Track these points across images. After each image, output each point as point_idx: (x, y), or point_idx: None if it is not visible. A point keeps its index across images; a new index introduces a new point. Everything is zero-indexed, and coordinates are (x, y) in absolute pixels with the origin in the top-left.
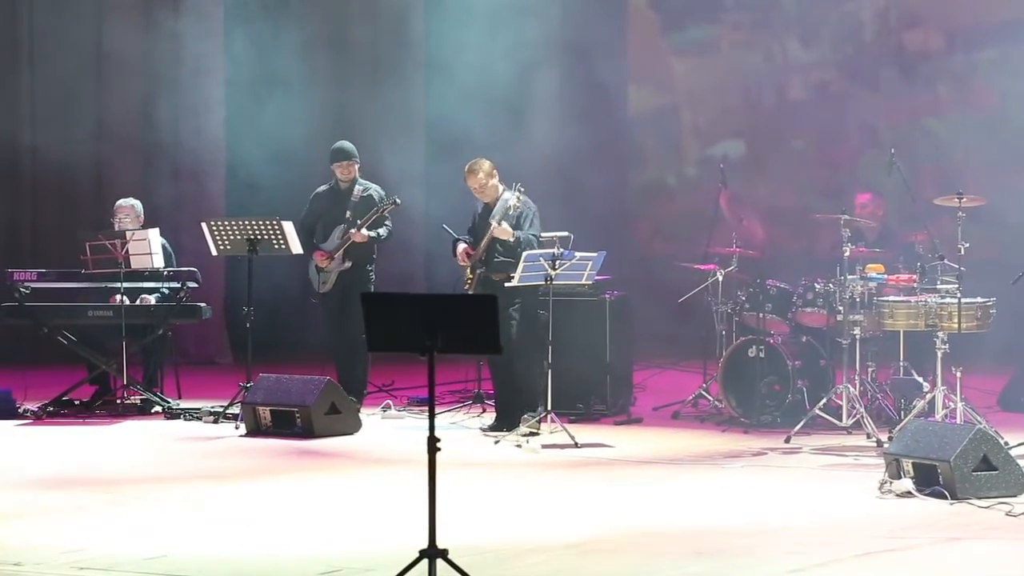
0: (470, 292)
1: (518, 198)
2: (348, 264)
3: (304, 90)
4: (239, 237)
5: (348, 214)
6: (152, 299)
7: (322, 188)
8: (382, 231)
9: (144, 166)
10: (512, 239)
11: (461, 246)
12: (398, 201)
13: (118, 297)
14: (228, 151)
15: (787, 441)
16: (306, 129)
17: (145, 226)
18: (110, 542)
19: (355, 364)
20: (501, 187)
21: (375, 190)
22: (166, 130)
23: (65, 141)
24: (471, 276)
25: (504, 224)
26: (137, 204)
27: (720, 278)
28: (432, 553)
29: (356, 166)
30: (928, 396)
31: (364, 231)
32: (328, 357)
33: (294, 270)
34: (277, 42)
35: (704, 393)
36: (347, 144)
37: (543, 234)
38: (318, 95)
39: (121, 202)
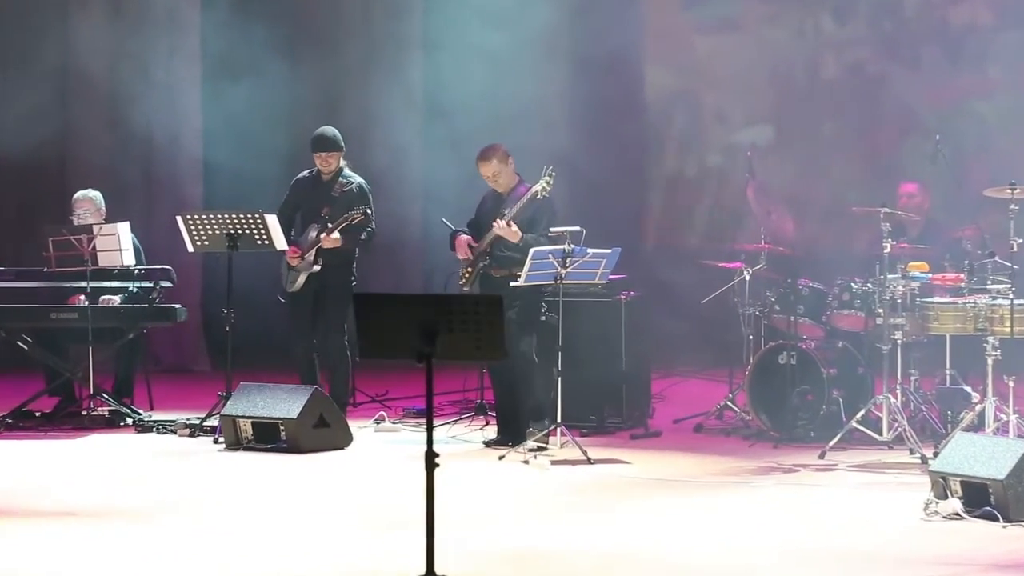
0: (467, 288)
1: (546, 185)
2: (317, 267)
3: (289, 73)
4: (218, 232)
5: (325, 211)
6: (116, 299)
7: (304, 174)
8: (361, 234)
9: (113, 155)
10: (519, 242)
11: (462, 238)
12: (370, 212)
13: (81, 298)
14: (205, 138)
15: (821, 457)
16: (292, 114)
17: (109, 220)
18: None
19: (335, 374)
20: (518, 176)
21: (357, 185)
22: (137, 116)
23: (26, 128)
24: (470, 271)
25: (514, 226)
26: (97, 196)
27: (747, 277)
28: None
29: (338, 157)
30: (977, 408)
31: (335, 235)
32: (291, 364)
33: (278, 268)
34: (259, 19)
35: (730, 404)
36: (329, 131)
37: (553, 229)
38: (305, 78)
39: (79, 195)
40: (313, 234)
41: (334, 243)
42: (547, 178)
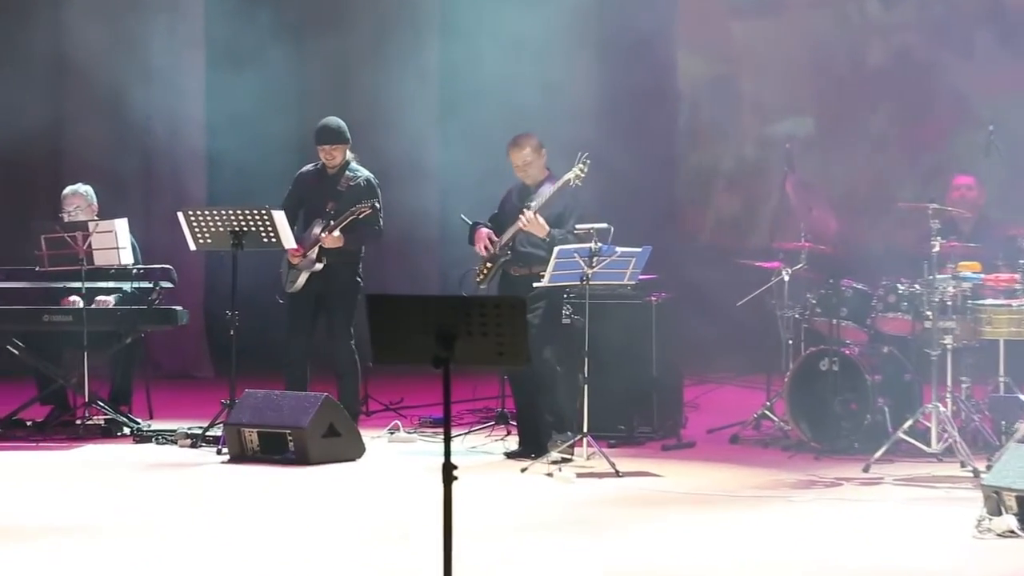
0: (483, 287)
1: (579, 172)
2: (320, 266)
3: (297, 59)
4: (221, 229)
5: (330, 207)
6: (111, 300)
7: (308, 168)
8: (367, 232)
9: (110, 147)
10: (545, 237)
11: (483, 231)
12: (378, 205)
13: (72, 298)
14: (208, 129)
15: (866, 470)
16: (300, 104)
17: (106, 216)
18: None
19: (344, 381)
20: (548, 171)
21: (365, 178)
22: (135, 106)
23: (16, 119)
24: (488, 267)
25: (540, 219)
26: (88, 191)
27: (786, 278)
28: None
29: (344, 150)
30: None
31: (336, 233)
32: (293, 369)
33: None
34: (266, 2)
35: (768, 413)
36: (334, 122)
37: (579, 226)
38: (314, 65)
39: (68, 190)
40: (317, 231)
41: (336, 242)
42: (581, 165)
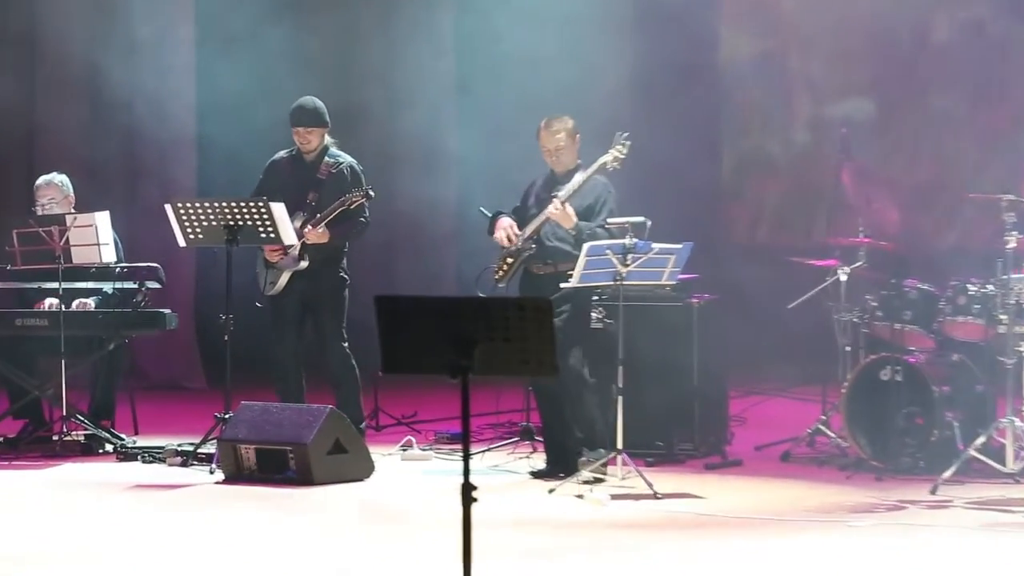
0: (502, 285)
1: (618, 155)
2: (304, 264)
3: (297, 35)
4: (214, 223)
5: (311, 197)
6: (91, 302)
7: (281, 155)
8: (353, 225)
9: (89, 133)
10: (573, 229)
11: (504, 220)
12: (371, 193)
13: (48, 302)
14: (199, 112)
15: (933, 492)
16: (301, 84)
17: (85, 209)
18: None
19: (342, 390)
20: (579, 160)
21: (348, 165)
22: (117, 87)
23: None
24: (508, 263)
25: (570, 208)
26: (64, 181)
27: (843, 278)
28: None
29: (321, 133)
30: None
31: (322, 228)
32: (286, 383)
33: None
34: None
35: (823, 428)
36: (309, 102)
37: (611, 220)
38: (316, 41)
39: (42, 181)
40: (297, 224)
41: (321, 237)
42: (619, 147)
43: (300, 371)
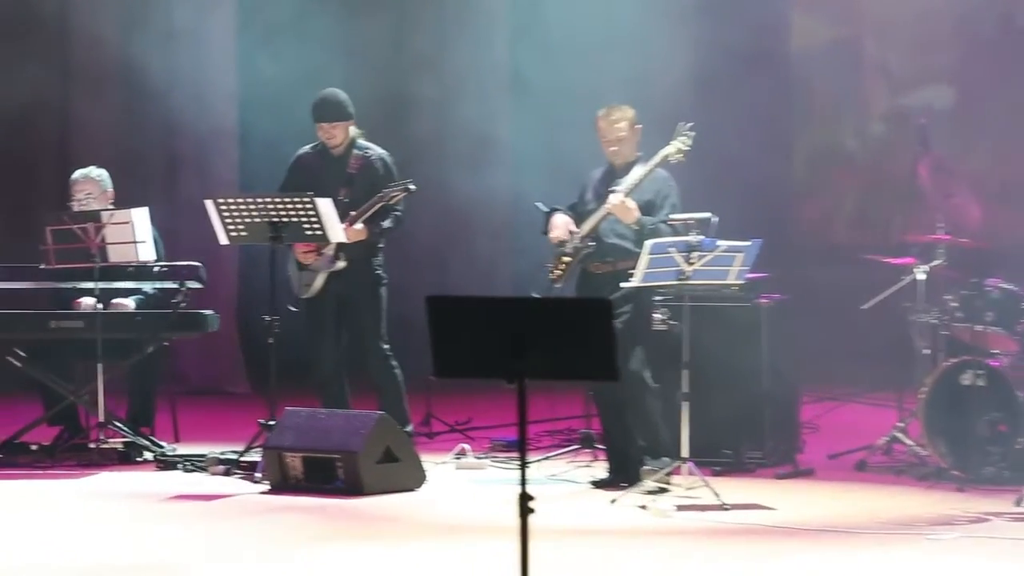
0: (559, 285)
1: (681, 146)
2: (341, 263)
3: (345, 25)
4: (257, 220)
5: (342, 194)
6: (130, 303)
7: (306, 150)
8: (387, 222)
9: (126, 126)
10: (635, 224)
11: (560, 217)
12: (411, 187)
13: (85, 301)
14: (241, 104)
15: (1019, 503)
16: (347, 74)
17: (122, 205)
18: None
19: (385, 394)
20: (639, 153)
21: (378, 157)
22: (155, 77)
23: (16, 94)
24: (566, 262)
25: (631, 202)
26: (102, 175)
27: (921, 277)
28: None
29: (346, 127)
30: None
31: (360, 224)
32: (328, 389)
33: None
34: None
35: (900, 436)
36: (332, 96)
37: (675, 216)
38: (363, 29)
39: (78, 175)
40: None
41: (359, 235)
42: (683, 138)
43: (342, 377)
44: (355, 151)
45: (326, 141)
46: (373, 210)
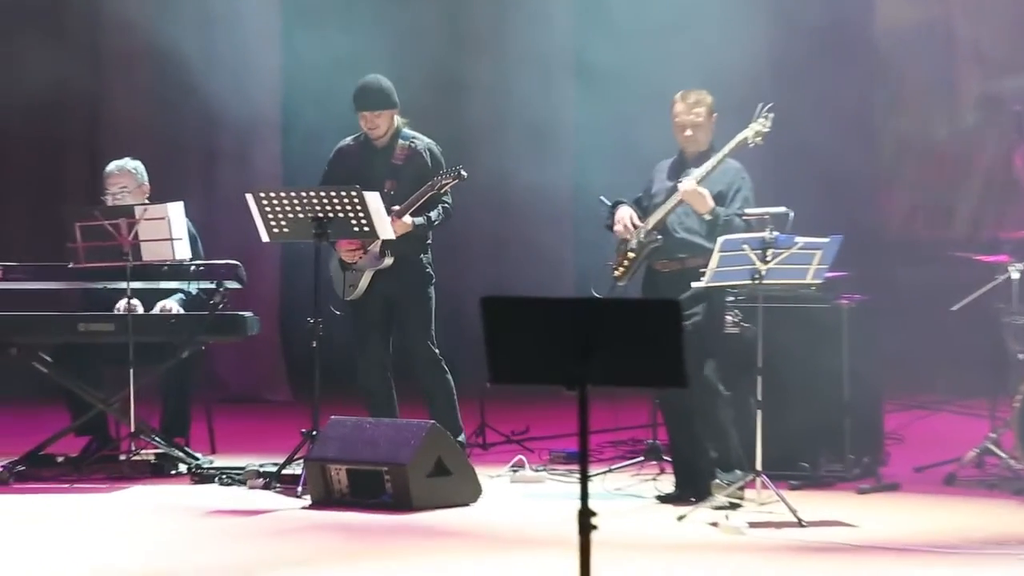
0: (622, 283)
1: (760, 129)
2: (388, 261)
3: (394, 8)
4: (301, 216)
5: (388, 186)
6: (174, 305)
7: (348, 141)
8: (434, 214)
9: (160, 116)
10: (708, 214)
11: (625, 210)
12: (463, 174)
13: (122, 304)
14: (285, 96)
15: None
16: (397, 65)
17: (156, 199)
18: None
19: (435, 400)
20: (711, 143)
21: (425, 147)
22: (193, 67)
23: (45, 83)
24: (630, 258)
25: (703, 190)
26: (138, 168)
27: (1015, 276)
28: None
29: (390, 116)
30: None
31: (408, 217)
32: (375, 398)
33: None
34: None
35: (992, 447)
36: (374, 82)
37: (748, 211)
38: (416, 19)
39: (113, 167)
40: None
41: (405, 228)
42: (762, 120)
43: (390, 383)
44: (400, 141)
45: (369, 131)
46: (421, 201)
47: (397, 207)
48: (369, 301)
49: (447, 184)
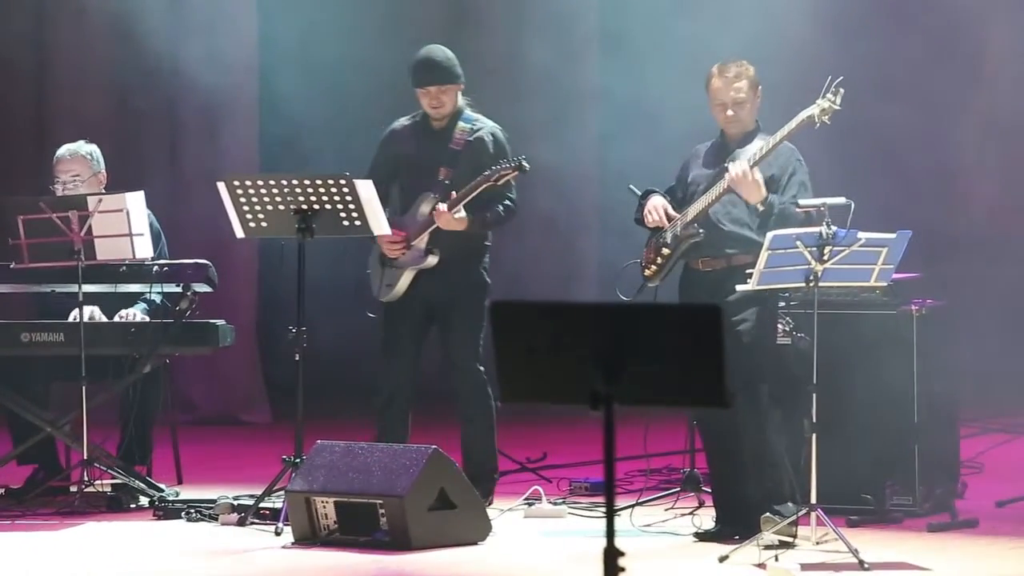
0: (654, 283)
1: (829, 106)
2: (433, 260)
3: None
4: (281, 207)
5: (443, 174)
6: (137, 312)
7: (403, 122)
8: (496, 212)
9: (119, 93)
10: (761, 204)
11: (657, 200)
12: (525, 165)
13: (83, 311)
14: (263, 67)
15: None
16: (396, 33)
17: (113, 188)
18: None
19: (474, 425)
20: (757, 122)
21: (488, 132)
22: (155, 32)
23: None
24: (664, 255)
25: (757, 175)
26: (94, 152)
27: None
28: None
29: (455, 92)
30: None
31: (461, 211)
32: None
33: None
34: None
35: None
36: (439, 53)
37: (804, 201)
38: None
39: (65, 151)
40: (426, 208)
41: (458, 224)
42: (830, 96)
43: (408, 402)
44: (461, 124)
45: (432, 110)
46: (476, 192)
47: (454, 195)
48: (407, 305)
49: (506, 176)
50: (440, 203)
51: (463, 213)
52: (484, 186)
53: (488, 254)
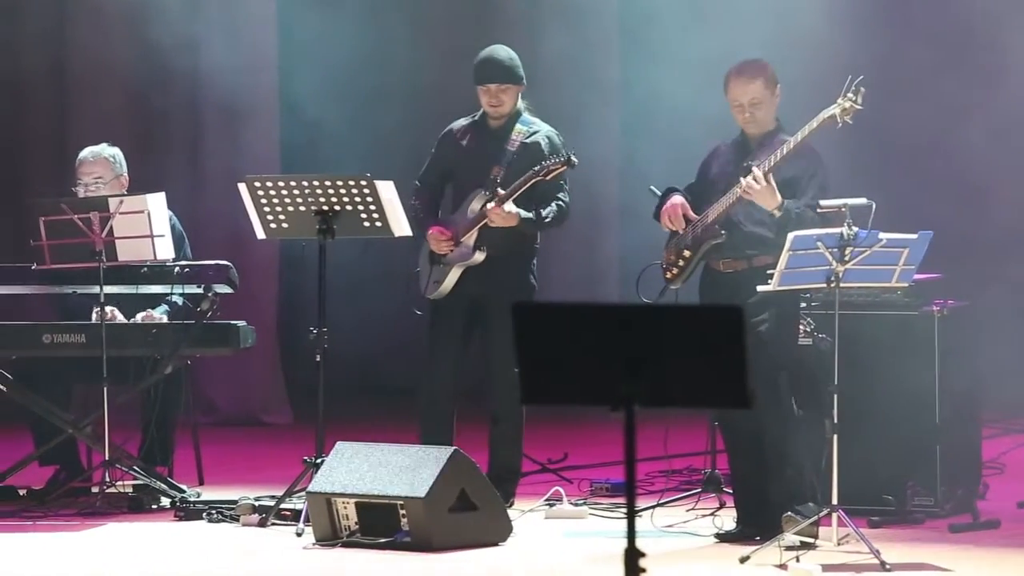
0: (675, 286)
1: (850, 106)
2: (479, 257)
3: None
4: (303, 208)
5: (495, 171)
6: (158, 314)
7: (461, 122)
8: (547, 210)
9: (140, 96)
10: (777, 210)
11: (676, 198)
12: (574, 160)
13: (105, 311)
14: (282, 70)
15: None
16: (416, 36)
17: (134, 191)
18: None
19: (507, 427)
20: (776, 121)
21: (544, 136)
22: (175, 37)
23: (5, 58)
24: (686, 256)
25: (772, 182)
26: (116, 155)
27: None
28: None
29: (516, 93)
30: None
31: (510, 206)
32: (435, 410)
33: (400, 259)
34: None
35: None
36: (503, 53)
37: (824, 202)
38: None
39: (87, 154)
40: (476, 205)
41: (507, 220)
42: (851, 95)
43: (454, 403)
44: (518, 126)
45: (491, 109)
46: (526, 187)
47: (502, 191)
48: (453, 303)
49: (555, 170)
50: (490, 201)
51: (513, 208)
52: (533, 181)
53: (536, 257)
